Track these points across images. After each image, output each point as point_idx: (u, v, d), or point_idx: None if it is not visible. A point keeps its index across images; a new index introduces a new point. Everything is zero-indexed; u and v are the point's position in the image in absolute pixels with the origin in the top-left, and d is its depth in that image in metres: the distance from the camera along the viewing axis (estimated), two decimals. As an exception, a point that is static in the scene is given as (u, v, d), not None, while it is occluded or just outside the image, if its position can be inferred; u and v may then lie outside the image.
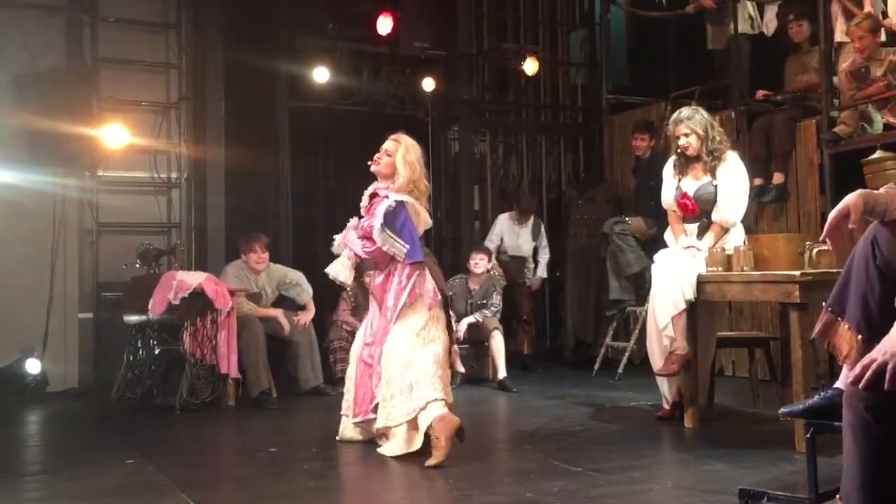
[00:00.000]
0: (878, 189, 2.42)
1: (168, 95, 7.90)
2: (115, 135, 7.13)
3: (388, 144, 4.59)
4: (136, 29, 7.76)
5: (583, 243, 8.22)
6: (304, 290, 6.74)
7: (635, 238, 7.24)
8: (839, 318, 2.43)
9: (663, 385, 5.16)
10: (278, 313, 6.49)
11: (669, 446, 4.72)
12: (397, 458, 4.24)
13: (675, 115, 5.24)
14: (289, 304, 6.82)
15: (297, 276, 6.78)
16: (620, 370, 7.05)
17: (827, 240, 2.35)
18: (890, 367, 1.83)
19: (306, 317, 6.62)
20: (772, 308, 6.23)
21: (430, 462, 4.03)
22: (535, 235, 8.15)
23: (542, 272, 8.19)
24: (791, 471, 3.79)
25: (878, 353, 1.88)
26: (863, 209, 2.23)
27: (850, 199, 2.26)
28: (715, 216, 5.05)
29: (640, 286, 7.08)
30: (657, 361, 4.99)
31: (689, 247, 4.98)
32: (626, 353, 7.16)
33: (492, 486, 3.83)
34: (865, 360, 1.89)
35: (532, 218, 8.18)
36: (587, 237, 8.16)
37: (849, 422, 1.97)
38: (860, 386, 1.87)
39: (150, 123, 7.75)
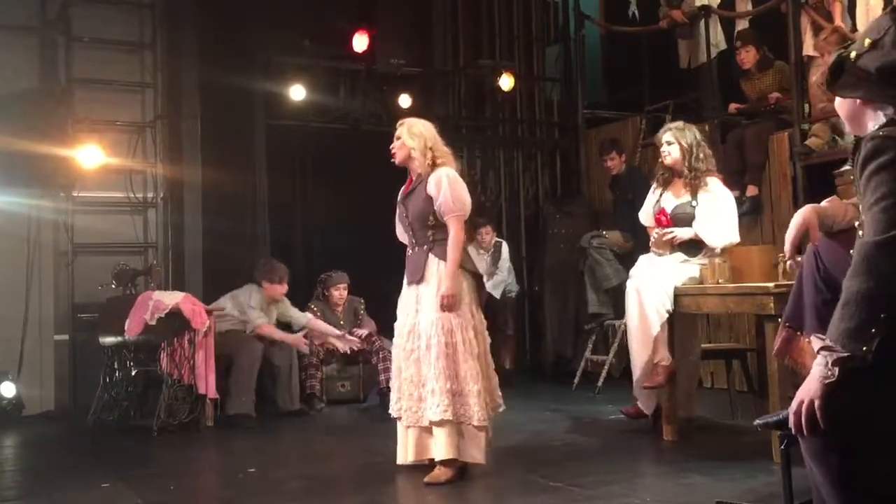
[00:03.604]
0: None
1: (143, 115, 7.87)
2: (90, 155, 7.09)
3: (397, 131, 4.47)
4: (111, 49, 7.74)
5: (561, 258, 8.25)
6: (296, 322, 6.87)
7: (613, 252, 7.28)
8: (798, 333, 2.46)
9: (643, 397, 5.16)
10: (298, 340, 6.62)
11: (648, 459, 4.73)
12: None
13: (666, 125, 5.28)
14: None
15: (300, 320, 6.86)
16: (600, 384, 7.06)
17: (792, 260, 2.38)
18: (816, 406, 1.86)
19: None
20: (748, 320, 6.27)
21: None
22: (495, 260, 7.82)
23: (492, 289, 7.64)
24: (768, 482, 3.81)
25: (800, 394, 1.91)
26: (817, 223, 2.26)
27: (805, 215, 2.29)
28: (695, 228, 5.05)
29: (619, 299, 7.10)
30: (640, 374, 5.00)
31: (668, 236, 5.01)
32: (606, 367, 7.18)
33: (472, 501, 3.82)
34: (793, 405, 1.91)
35: (493, 243, 7.86)
36: (565, 251, 8.18)
37: (805, 449, 2.01)
38: (803, 432, 1.90)
39: (125, 143, 7.71)
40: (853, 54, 2.07)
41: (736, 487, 3.73)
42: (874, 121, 2.05)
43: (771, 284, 4.31)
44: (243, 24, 7.81)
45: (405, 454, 4.26)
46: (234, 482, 4.37)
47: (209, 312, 6.05)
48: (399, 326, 4.37)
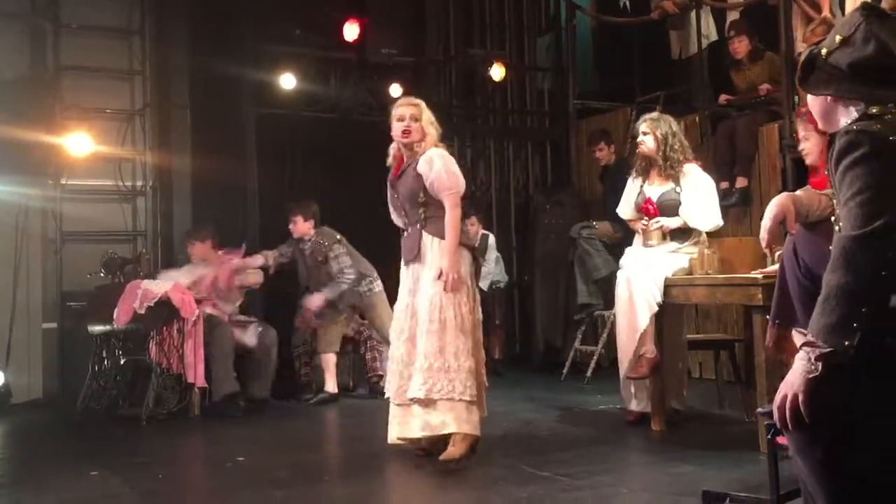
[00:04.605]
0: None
1: (132, 103, 7.82)
2: (78, 143, 7.05)
3: (409, 110, 4.42)
4: (100, 36, 7.68)
5: (551, 248, 8.25)
6: None
7: (602, 242, 7.28)
8: (789, 330, 2.47)
9: (629, 389, 5.18)
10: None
11: (637, 449, 4.75)
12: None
13: (643, 116, 5.31)
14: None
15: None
16: (589, 374, 7.07)
17: (769, 248, 2.39)
18: (800, 400, 1.88)
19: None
20: (736, 310, 6.30)
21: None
22: (481, 252, 7.56)
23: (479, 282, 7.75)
24: (755, 472, 3.82)
25: (783, 388, 1.93)
26: (794, 211, 2.27)
27: (781, 203, 2.30)
28: (682, 214, 5.09)
29: (608, 290, 7.11)
30: (626, 366, 5.02)
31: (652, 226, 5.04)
32: (595, 357, 7.19)
33: (460, 491, 3.83)
34: (778, 400, 1.93)
35: (479, 235, 7.77)
36: (555, 242, 8.18)
37: (791, 443, 2.03)
38: (788, 427, 1.92)
39: (114, 131, 7.66)
40: (824, 51, 2.08)
41: (723, 477, 3.75)
42: (846, 117, 2.06)
43: (759, 275, 4.32)
44: (233, 13, 7.77)
45: (392, 432, 4.36)
46: (222, 471, 4.37)
47: (199, 302, 6.03)
48: (397, 308, 4.46)
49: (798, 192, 2.37)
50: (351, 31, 7.74)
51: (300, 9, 7.98)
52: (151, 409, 5.76)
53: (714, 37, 7.88)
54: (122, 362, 6.21)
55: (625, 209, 5.38)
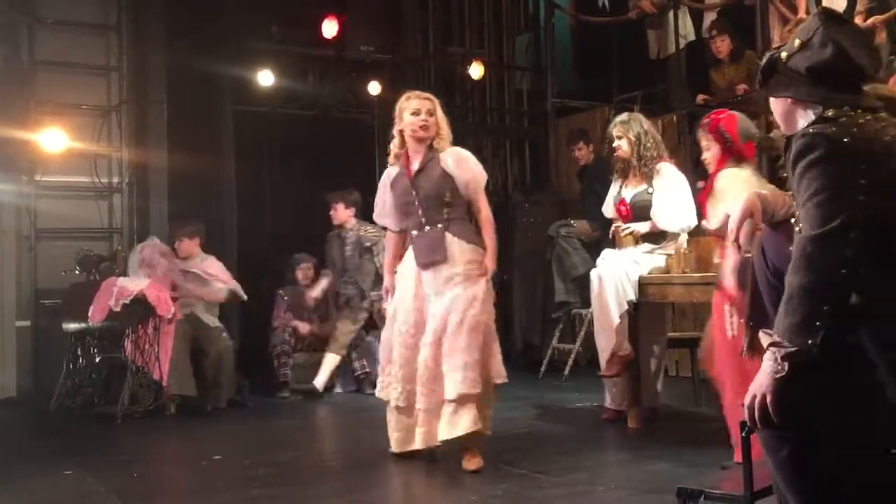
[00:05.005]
0: None
1: (108, 99, 7.76)
2: (53, 139, 6.99)
3: (425, 104, 4.24)
4: (75, 31, 7.62)
5: (529, 246, 8.26)
6: None
7: (580, 241, 7.30)
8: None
9: (608, 386, 5.21)
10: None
11: (613, 447, 4.77)
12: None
13: (614, 120, 5.34)
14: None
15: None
16: (566, 372, 7.09)
17: (734, 244, 2.41)
18: (768, 400, 1.91)
19: None
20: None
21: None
22: None
23: None
24: (731, 469, 3.85)
25: (752, 388, 1.96)
26: (762, 209, 2.30)
27: (748, 201, 2.33)
28: (652, 216, 5.11)
29: (586, 288, 7.13)
30: (604, 364, 5.04)
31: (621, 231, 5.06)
32: (572, 355, 7.21)
33: (436, 488, 3.83)
34: (747, 400, 1.96)
35: None
36: (533, 240, 8.20)
37: (761, 442, 2.06)
38: (757, 425, 1.95)
39: (89, 127, 7.60)
40: (784, 55, 2.13)
41: (699, 474, 3.77)
42: (804, 119, 2.10)
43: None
44: (212, 9, 7.72)
45: (406, 441, 4.19)
46: (198, 469, 4.35)
47: (174, 300, 5.99)
48: (405, 312, 4.23)
49: (764, 191, 2.40)
50: (330, 28, 7.72)
51: (279, 5, 7.96)
52: (126, 408, 5.72)
53: (692, 37, 7.93)
54: (97, 360, 6.16)
55: (606, 209, 5.41)
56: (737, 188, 3.95)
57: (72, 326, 6.21)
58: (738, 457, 3.65)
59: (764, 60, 2.21)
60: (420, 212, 4.22)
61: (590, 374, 5.58)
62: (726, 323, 3.80)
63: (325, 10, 7.79)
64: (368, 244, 6.59)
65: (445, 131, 4.28)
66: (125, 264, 6.47)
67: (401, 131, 4.30)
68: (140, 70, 7.77)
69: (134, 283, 5.91)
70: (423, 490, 3.78)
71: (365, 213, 6.06)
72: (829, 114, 2.02)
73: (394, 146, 4.36)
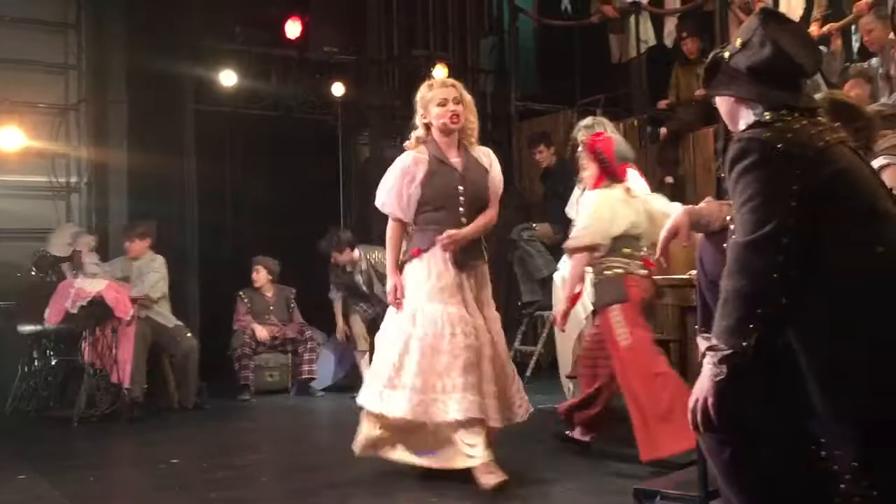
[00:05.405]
0: None
1: (67, 97, 7.66)
2: (10, 137, 6.89)
3: (452, 92, 3.95)
4: (34, 28, 7.52)
5: (492, 250, 8.25)
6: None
7: (543, 244, 7.34)
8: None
9: (568, 386, 5.23)
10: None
11: (571, 449, 4.78)
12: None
13: (578, 124, 5.36)
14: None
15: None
16: (528, 374, 7.12)
17: (661, 259, 2.47)
18: (709, 403, 1.94)
19: None
20: (671, 311, 6.39)
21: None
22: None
23: None
24: (686, 471, 3.89)
25: (695, 392, 1.99)
26: (689, 225, 2.34)
27: (677, 217, 2.38)
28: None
29: (550, 290, 7.18)
30: (567, 364, 5.07)
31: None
32: (534, 357, 7.24)
33: (394, 490, 3.83)
34: (690, 403, 1.99)
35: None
36: (496, 243, 8.20)
37: (703, 445, 2.10)
38: (701, 429, 1.98)
39: (47, 126, 7.49)
40: (727, 54, 2.17)
41: (657, 475, 3.81)
42: (745, 119, 2.14)
43: (694, 277, 4.38)
44: (173, 8, 7.63)
45: (376, 446, 3.90)
46: (156, 472, 4.30)
47: (133, 301, 5.93)
48: (431, 312, 3.87)
49: (700, 205, 2.44)
50: (293, 28, 7.68)
51: (241, 5, 7.91)
52: (83, 411, 5.65)
53: (653, 42, 8.01)
54: (53, 363, 6.08)
55: (570, 212, 5.42)
56: (601, 208, 4.20)
57: (27, 328, 6.12)
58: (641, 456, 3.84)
59: (708, 60, 2.25)
60: (463, 209, 3.96)
61: (552, 376, 5.59)
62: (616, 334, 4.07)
63: (289, 10, 7.75)
64: (383, 270, 6.49)
65: (474, 124, 4.06)
66: (82, 265, 6.36)
67: (426, 124, 4.03)
68: (99, 69, 7.68)
69: (91, 285, 5.83)
70: (379, 489, 3.77)
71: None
72: (766, 117, 2.05)
73: (413, 136, 4.09)
